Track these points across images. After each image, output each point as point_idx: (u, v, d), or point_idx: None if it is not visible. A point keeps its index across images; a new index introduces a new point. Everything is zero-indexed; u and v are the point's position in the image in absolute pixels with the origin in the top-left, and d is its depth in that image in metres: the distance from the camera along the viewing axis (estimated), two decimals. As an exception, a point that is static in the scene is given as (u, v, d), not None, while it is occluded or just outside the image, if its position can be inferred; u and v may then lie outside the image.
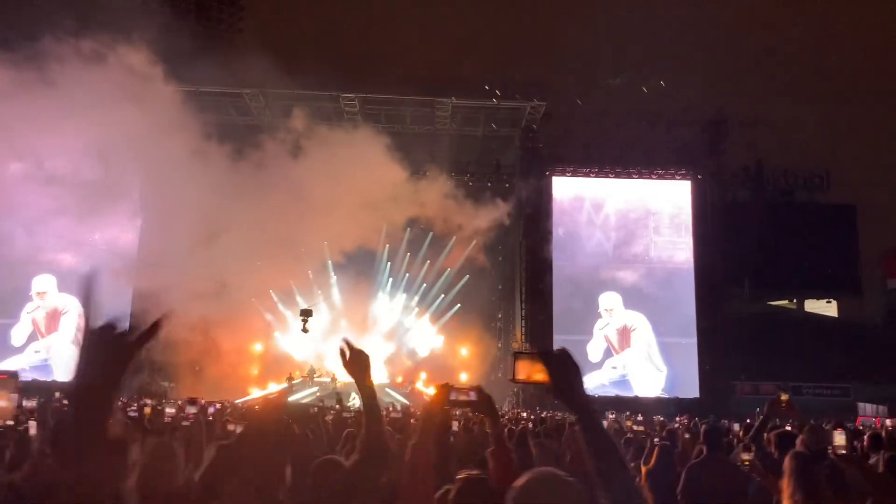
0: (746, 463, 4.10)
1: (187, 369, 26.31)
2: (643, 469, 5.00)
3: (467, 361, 31.17)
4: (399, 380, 30.05)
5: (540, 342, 28.18)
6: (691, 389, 28.05)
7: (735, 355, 28.61)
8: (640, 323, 28.45)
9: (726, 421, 14.48)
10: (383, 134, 27.83)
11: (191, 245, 21.69)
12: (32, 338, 27.51)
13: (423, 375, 30.45)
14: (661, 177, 29.35)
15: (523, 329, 28.83)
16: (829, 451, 3.91)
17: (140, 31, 20.28)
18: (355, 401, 27.05)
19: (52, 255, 25.81)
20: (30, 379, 25.81)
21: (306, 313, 19.92)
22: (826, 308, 41.55)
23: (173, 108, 22.48)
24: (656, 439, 6.51)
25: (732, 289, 31.21)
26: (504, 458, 2.79)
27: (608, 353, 28.11)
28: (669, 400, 27.29)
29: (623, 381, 27.79)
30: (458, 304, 30.91)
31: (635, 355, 28.18)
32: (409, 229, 29.82)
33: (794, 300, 40.12)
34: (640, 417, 16.73)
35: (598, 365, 27.85)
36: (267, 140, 24.53)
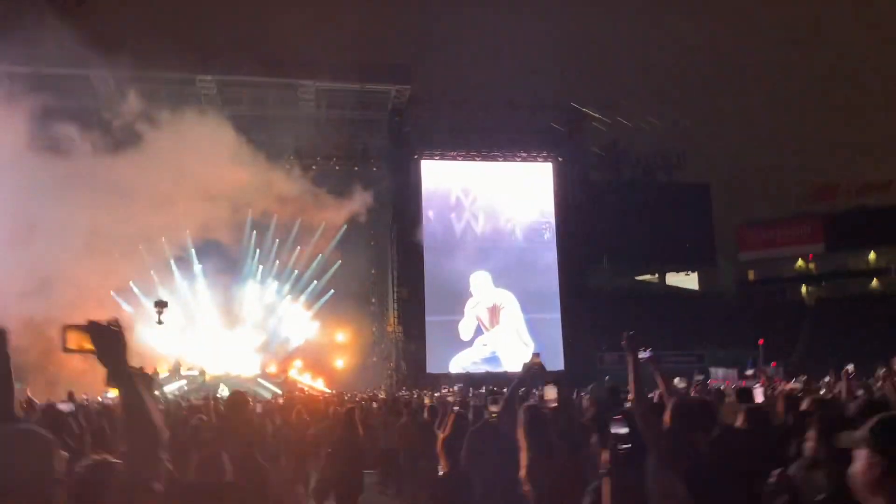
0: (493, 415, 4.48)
1: (36, 369, 24.73)
2: (440, 435, 5.22)
3: (343, 346, 31.06)
4: (272, 369, 29.54)
5: (413, 323, 28.63)
6: (557, 363, 29.27)
7: (598, 328, 30.12)
8: (508, 301, 29.38)
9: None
10: (244, 118, 27.26)
11: (16, 239, 20.30)
12: None
13: (297, 364, 30.09)
14: (524, 159, 30.36)
15: (396, 312, 29.06)
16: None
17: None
18: (224, 392, 26.51)
19: None
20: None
21: (161, 304, 19.19)
22: (686, 281, 44.51)
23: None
24: (456, 407, 6.87)
25: (595, 265, 32.87)
26: None
27: (479, 332, 28.89)
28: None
29: (493, 358, 28.63)
30: (332, 290, 30.67)
31: (504, 332, 29.10)
32: (276, 216, 29.24)
33: (657, 274, 42.74)
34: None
35: (470, 343, 28.60)
36: (117, 125, 23.33)
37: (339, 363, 30.63)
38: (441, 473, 4.81)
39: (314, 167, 27.96)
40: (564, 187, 30.62)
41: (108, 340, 2.02)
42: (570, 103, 30.00)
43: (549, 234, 30.55)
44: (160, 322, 19.92)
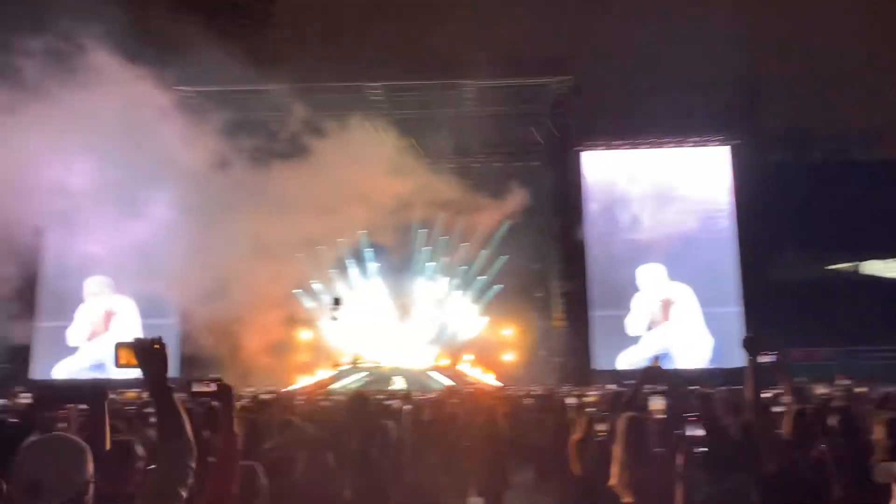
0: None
1: (228, 364, 27.27)
2: (572, 437, 5.11)
3: (511, 341, 31.21)
4: (444, 362, 30.34)
5: (578, 318, 28.12)
6: (737, 359, 27.39)
7: (783, 322, 27.83)
8: (681, 294, 27.96)
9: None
10: (410, 121, 28.18)
11: (224, 242, 22.35)
12: (88, 338, 28.85)
13: (467, 357, 30.67)
14: (696, 144, 28.66)
15: (561, 306, 28.73)
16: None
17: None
18: (399, 384, 27.67)
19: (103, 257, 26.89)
20: (91, 377, 27.27)
21: (337, 301, 20.34)
22: (887, 269, 39.89)
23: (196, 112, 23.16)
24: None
25: (778, 255, 30.31)
26: None
27: (649, 327, 27.75)
28: (715, 371, 26.83)
29: (664, 355, 27.35)
30: (498, 285, 30.92)
31: (677, 327, 27.75)
32: (441, 215, 29.95)
33: (852, 262, 38.68)
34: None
35: (638, 339, 27.56)
36: (290, 136, 25.05)
37: (508, 357, 30.81)
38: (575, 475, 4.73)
39: (476, 165, 28.28)
40: (742, 172, 28.51)
41: (150, 356, 2.26)
42: (747, 81, 27.83)
43: (727, 223, 28.65)
44: (335, 318, 21.14)
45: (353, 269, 31.08)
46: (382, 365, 29.64)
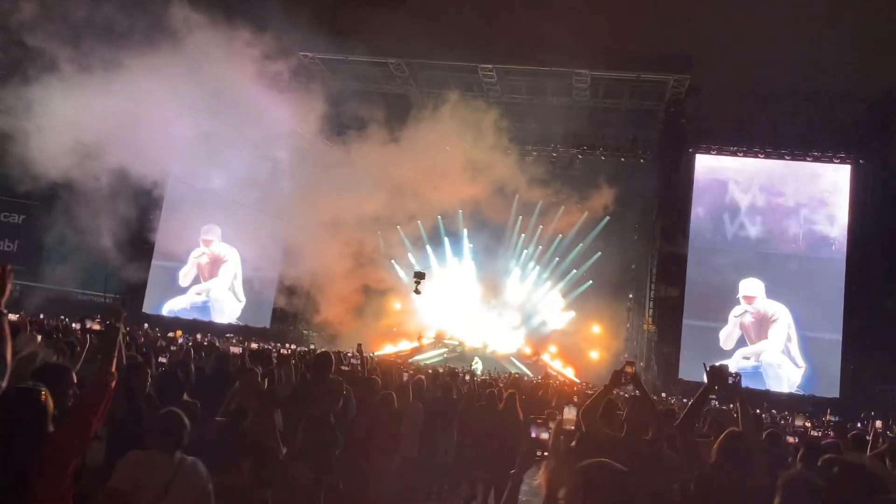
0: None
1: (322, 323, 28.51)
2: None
3: (597, 338, 30.93)
4: (528, 350, 30.46)
5: (669, 325, 27.52)
6: (832, 389, 26.16)
7: (889, 357, 26.28)
8: (781, 314, 26.83)
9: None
10: (521, 105, 28.23)
11: (334, 210, 23.31)
12: (196, 281, 30.80)
13: (551, 349, 30.65)
14: (816, 159, 27.26)
15: (652, 310, 28.17)
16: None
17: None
18: (478, 365, 28.06)
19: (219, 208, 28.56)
20: (191, 318, 29.19)
21: (420, 275, 20.81)
22: None
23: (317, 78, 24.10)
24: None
25: (893, 285, 28.49)
26: None
27: (742, 343, 26.82)
28: (804, 397, 25.71)
29: (756, 374, 26.43)
30: (590, 281, 30.66)
31: (772, 347, 26.68)
32: (540, 202, 29.96)
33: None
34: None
35: (730, 353, 26.69)
36: (406, 110, 25.70)
37: (593, 355, 30.56)
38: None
39: (581, 156, 28.05)
40: (864, 193, 26.95)
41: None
42: (881, 96, 26.15)
43: (839, 246, 27.19)
44: (417, 292, 21.64)
45: (447, 247, 31.59)
46: (465, 343, 30.12)
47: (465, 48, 26.14)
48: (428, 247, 31.30)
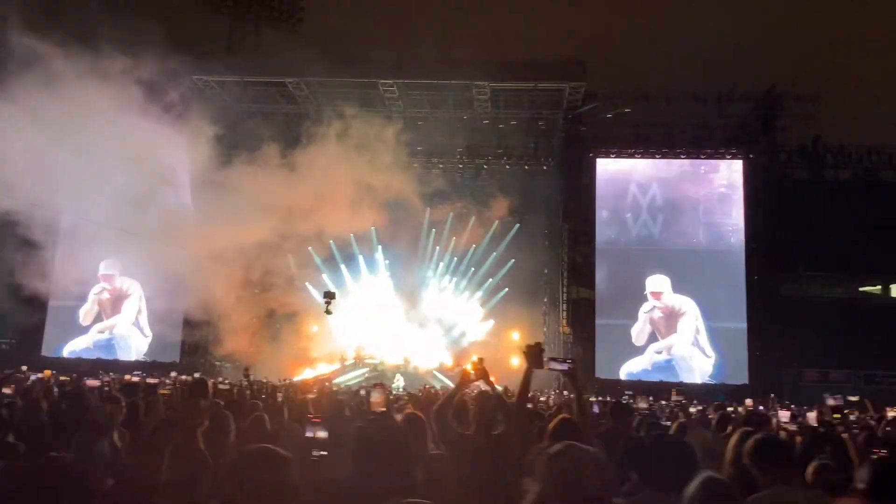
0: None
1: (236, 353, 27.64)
2: None
3: (517, 346, 31.16)
4: (448, 363, 30.41)
5: (583, 326, 28.04)
6: (741, 376, 27.20)
7: (791, 341, 27.53)
8: (688, 307, 27.74)
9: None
10: (425, 120, 28.32)
11: (236, 236, 22.65)
12: (98, 319, 29.39)
13: (474, 358, 30.62)
14: (710, 156, 28.44)
15: (565, 313, 28.64)
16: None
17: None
18: (399, 382, 27.79)
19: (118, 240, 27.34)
20: (94, 358, 27.80)
21: (330, 295, 20.45)
22: None
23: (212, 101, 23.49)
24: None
25: (790, 273, 29.92)
26: None
27: (653, 338, 27.58)
28: (716, 386, 26.61)
29: (668, 367, 27.24)
30: (506, 289, 30.93)
31: (681, 340, 27.53)
32: (451, 215, 30.07)
33: (873, 284, 38.01)
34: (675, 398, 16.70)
35: (642, 349, 27.40)
36: (306, 130, 25.36)
37: (514, 361, 30.77)
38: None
39: (486, 167, 28.34)
40: (757, 187, 28.23)
41: None
42: (765, 93, 27.53)
43: (737, 238, 28.36)
44: (328, 312, 21.27)
45: (362, 264, 31.26)
46: (385, 361, 29.81)
47: (364, 64, 26.07)
48: (342, 266, 30.92)
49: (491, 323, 31.56)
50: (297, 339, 29.73)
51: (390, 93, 27.06)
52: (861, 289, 37.60)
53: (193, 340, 28.10)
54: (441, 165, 28.44)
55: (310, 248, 28.91)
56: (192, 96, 25.26)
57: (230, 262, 23.64)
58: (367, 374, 29.40)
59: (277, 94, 28.14)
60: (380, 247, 31.01)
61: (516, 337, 31.09)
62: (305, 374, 28.58)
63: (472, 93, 26.63)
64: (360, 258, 31.09)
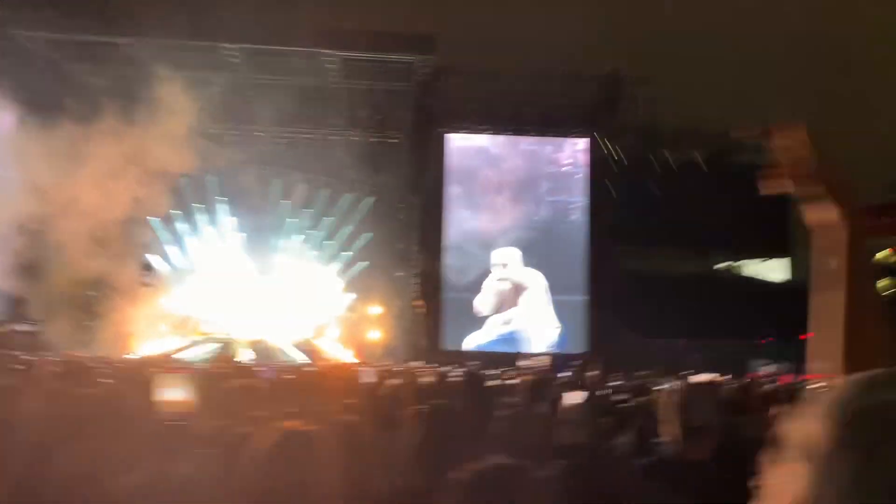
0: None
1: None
2: None
3: (375, 319, 31.16)
4: (305, 337, 29.97)
5: (431, 299, 28.37)
6: (582, 347, 28.33)
7: (632, 313, 28.88)
8: (533, 280, 28.55)
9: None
10: (272, 87, 27.48)
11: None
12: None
13: (330, 333, 30.41)
14: (557, 134, 29.21)
15: (418, 286, 28.89)
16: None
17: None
18: (247, 357, 27.13)
19: None
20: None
21: (148, 267, 19.61)
22: (764, 269, 41.90)
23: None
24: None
25: (630, 248, 31.35)
26: None
27: (498, 309, 28.23)
28: (559, 356, 27.60)
29: (512, 338, 27.98)
30: (363, 262, 30.75)
31: (526, 312, 28.34)
32: (303, 186, 29.47)
33: (721, 260, 40.50)
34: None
35: (487, 322, 28.03)
36: (142, 92, 24.04)
37: (373, 335, 30.76)
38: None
39: (334, 137, 27.90)
40: (600, 164, 29.26)
41: None
42: (609, 74, 28.45)
43: (582, 214, 29.35)
44: (147, 285, 20.40)
45: (209, 233, 30.15)
46: (234, 336, 29.00)
47: (205, 27, 24.96)
48: (187, 236, 29.71)
49: (351, 296, 31.37)
50: (130, 313, 28.40)
51: (233, 57, 26.08)
52: (715, 266, 40.15)
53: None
54: (288, 135, 27.74)
55: (148, 217, 27.61)
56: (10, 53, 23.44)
57: (54, 227, 22.18)
58: (214, 350, 28.53)
59: (112, 53, 26.52)
60: (229, 215, 29.99)
61: (372, 311, 31.10)
62: (148, 350, 27.43)
63: (320, 62, 26.07)
64: (205, 225, 29.91)
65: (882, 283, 44.01)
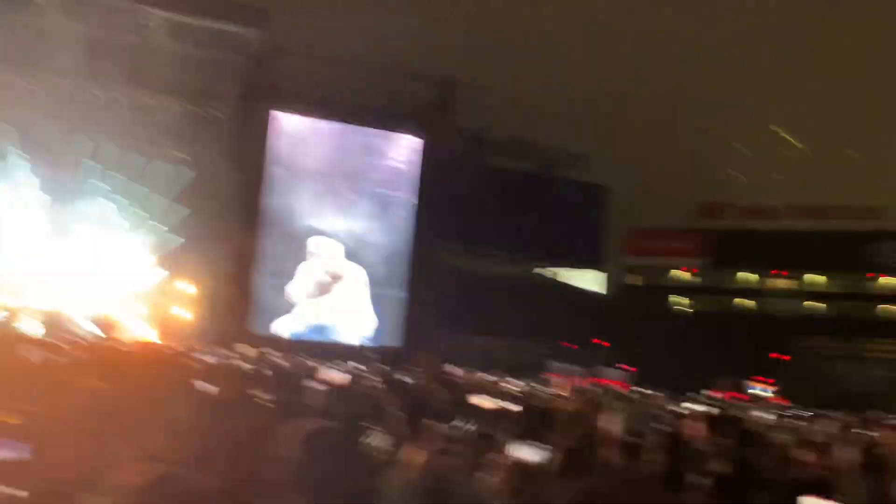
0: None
1: None
2: None
3: (186, 298, 29.76)
4: (102, 311, 27.98)
5: (244, 280, 27.58)
6: (396, 340, 28.73)
7: (445, 312, 29.66)
8: (351, 271, 28.52)
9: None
10: (93, 40, 25.45)
11: None
12: None
13: (133, 307, 28.65)
14: (389, 129, 29.34)
15: (233, 267, 27.91)
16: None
17: None
18: (30, 328, 24.88)
19: None
20: None
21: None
22: (578, 277, 44.53)
23: None
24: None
25: (452, 249, 32.32)
26: None
27: (313, 297, 27.95)
28: (372, 348, 27.78)
29: (325, 327, 27.80)
30: (180, 238, 29.21)
31: (342, 302, 28.25)
32: (113, 149, 27.46)
33: (544, 266, 42.68)
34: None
35: (300, 308, 27.68)
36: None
37: (182, 314, 29.36)
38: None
39: (152, 101, 26.27)
40: (430, 164, 29.75)
41: None
42: (444, 77, 29.05)
43: (407, 211, 29.70)
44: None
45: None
46: (11, 304, 26.49)
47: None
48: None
49: (161, 271, 29.68)
50: None
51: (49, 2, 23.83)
52: (536, 270, 42.26)
53: None
54: (99, 93, 25.75)
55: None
56: None
57: None
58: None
59: None
60: (28, 171, 27.35)
61: (182, 288, 29.68)
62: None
63: (146, 20, 24.47)
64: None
65: (675, 300, 48.63)
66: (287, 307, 27.42)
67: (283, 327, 27.28)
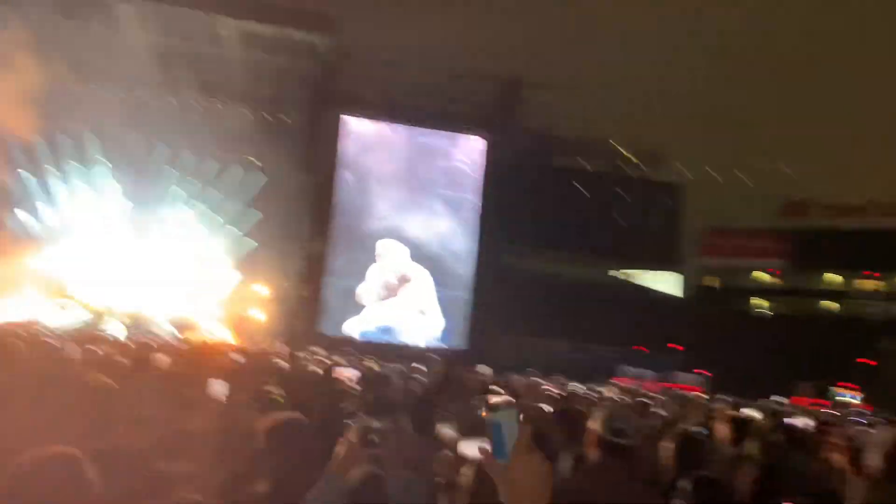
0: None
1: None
2: None
3: (260, 300, 30.48)
4: (181, 314, 28.96)
5: (314, 284, 28.05)
6: (462, 342, 28.65)
7: (514, 314, 29.37)
8: (418, 273, 28.59)
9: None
10: (169, 48, 26.39)
11: None
12: None
13: (210, 311, 29.54)
14: (457, 131, 29.33)
15: (305, 271, 28.51)
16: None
17: None
18: (118, 331, 25.91)
19: None
20: None
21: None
22: (654, 280, 43.48)
23: None
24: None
25: (520, 249, 31.97)
26: None
27: (381, 299, 28.16)
28: (437, 350, 27.77)
29: (393, 329, 27.97)
30: (250, 241, 29.97)
31: (409, 304, 28.34)
32: (190, 156, 28.39)
33: (603, 269, 41.82)
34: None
35: (368, 310, 27.92)
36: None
37: (257, 316, 30.08)
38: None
39: (222, 107, 27.02)
40: (495, 165, 29.57)
41: None
42: (510, 78, 28.84)
43: (474, 213, 29.61)
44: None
45: (88, 193, 28.65)
46: (99, 305, 27.70)
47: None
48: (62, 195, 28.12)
49: (236, 274, 30.51)
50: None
51: (125, 12, 24.87)
52: (609, 272, 41.41)
53: None
54: (174, 101, 26.65)
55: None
56: None
57: None
58: (84, 319, 27.15)
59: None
60: (111, 178, 28.59)
61: (257, 290, 30.38)
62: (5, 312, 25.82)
63: (218, 29, 25.22)
64: (84, 185, 28.40)
65: (755, 302, 46.83)
66: (356, 309, 27.72)
67: (353, 329, 27.56)
